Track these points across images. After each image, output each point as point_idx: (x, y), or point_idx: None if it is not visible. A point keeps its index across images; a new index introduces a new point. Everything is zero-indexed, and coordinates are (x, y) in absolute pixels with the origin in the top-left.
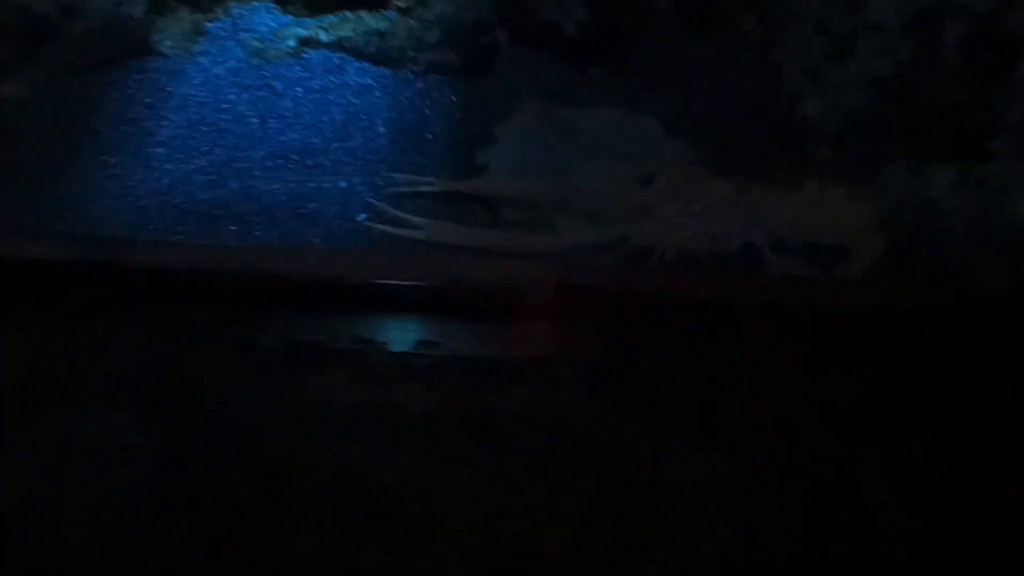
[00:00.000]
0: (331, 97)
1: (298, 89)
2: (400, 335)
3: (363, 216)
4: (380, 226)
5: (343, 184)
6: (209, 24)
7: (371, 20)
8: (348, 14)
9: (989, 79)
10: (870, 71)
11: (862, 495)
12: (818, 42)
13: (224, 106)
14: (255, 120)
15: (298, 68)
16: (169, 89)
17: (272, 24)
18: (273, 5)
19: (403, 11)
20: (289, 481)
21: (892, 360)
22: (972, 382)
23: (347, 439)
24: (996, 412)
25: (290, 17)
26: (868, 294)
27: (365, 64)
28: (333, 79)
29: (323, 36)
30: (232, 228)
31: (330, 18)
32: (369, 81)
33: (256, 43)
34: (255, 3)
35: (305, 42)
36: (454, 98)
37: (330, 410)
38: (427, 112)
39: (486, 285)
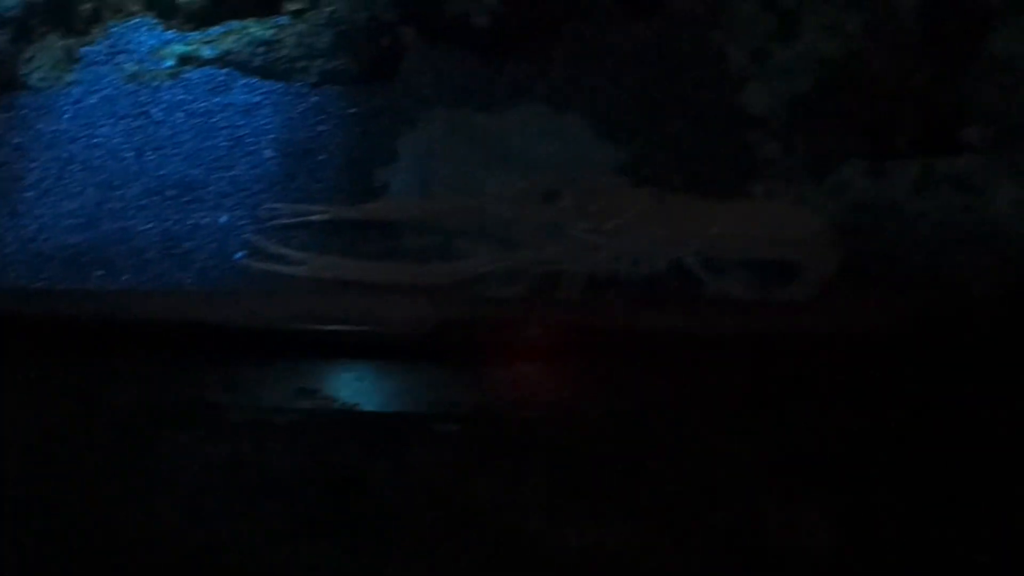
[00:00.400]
0: (214, 120)
1: (178, 114)
2: (269, 384)
3: (240, 254)
4: (258, 264)
5: (223, 219)
6: (84, 48)
7: (257, 30)
8: (234, 24)
9: (955, 56)
10: (816, 51)
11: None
12: (764, 19)
13: (97, 140)
14: (130, 154)
15: (179, 90)
16: (39, 127)
17: (152, 42)
18: (154, 20)
19: (296, 14)
20: (124, 561)
21: (849, 398)
22: (945, 421)
23: (193, 510)
24: (973, 458)
25: (172, 33)
26: (820, 318)
27: (253, 79)
28: (217, 99)
29: (206, 52)
30: (99, 272)
31: (215, 30)
32: (257, 98)
33: (132, 66)
34: (135, 19)
35: (186, 60)
36: (352, 110)
37: (180, 475)
38: (321, 129)
39: (363, 325)
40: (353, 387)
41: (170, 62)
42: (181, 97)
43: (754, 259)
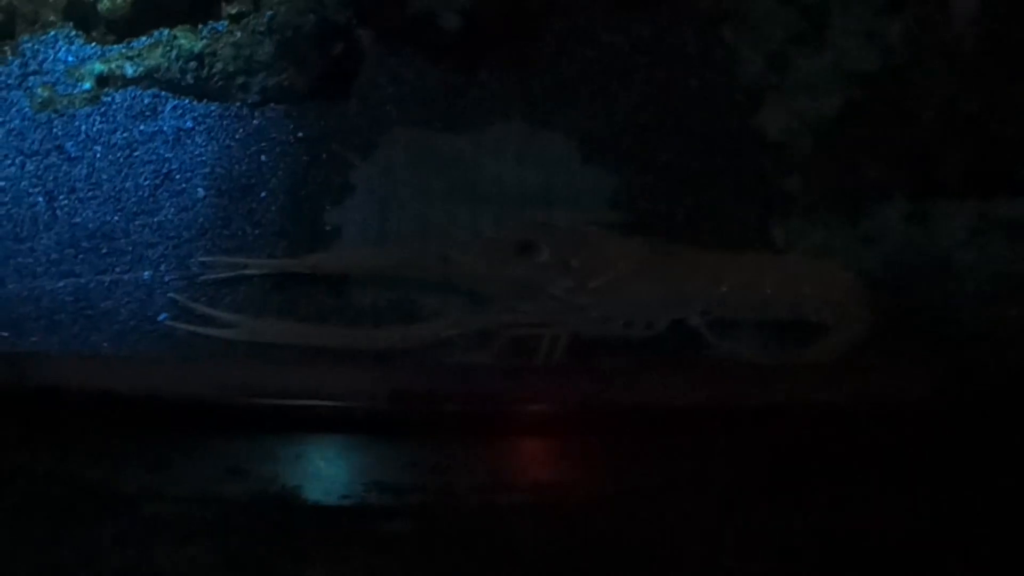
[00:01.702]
0: (137, 154)
1: (96, 148)
2: (194, 465)
3: (164, 315)
4: (184, 326)
5: (145, 274)
6: None
7: (188, 41)
8: (163, 34)
9: (1017, 75)
10: (847, 63)
11: None
12: (786, 17)
13: (2, 184)
14: (41, 199)
15: (97, 118)
16: None
17: (69, 59)
18: (73, 32)
19: (234, 19)
20: None
21: (877, 477)
22: (991, 501)
23: None
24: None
25: (92, 46)
26: (846, 385)
27: (184, 100)
28: (141, 128)
29: (129, 69)
30: (3, 334)
31: (140, 42)
32: (188, 124)
33: (44, 91)
34: (51, 31)
35: (105, 80)
36: (300, 135)
37: None
38: (263, 160)
39: (305, 397)
40: (291, 468)
41: (88, 84)
42: (100, 126)
43: (771, 318)
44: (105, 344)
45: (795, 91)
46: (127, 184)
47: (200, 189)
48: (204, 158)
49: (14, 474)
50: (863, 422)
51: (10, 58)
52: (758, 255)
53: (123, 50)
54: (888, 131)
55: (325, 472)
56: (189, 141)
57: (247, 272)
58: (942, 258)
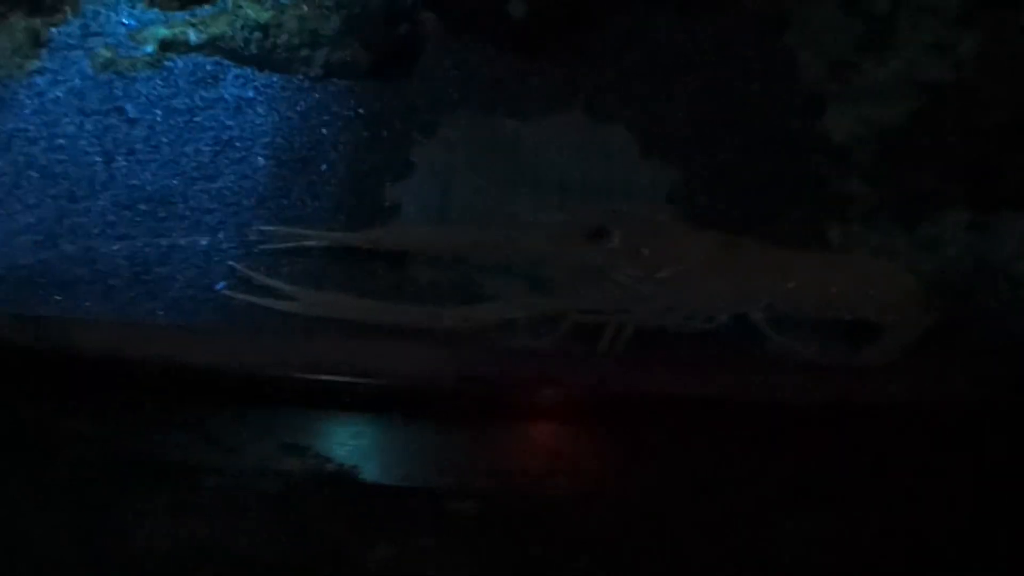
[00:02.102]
0: (198, 120)
1: (157, 111)
2: (251, 439)
3: (222, 284)
4: (242, 296)
5: (203, 241)
6: (54, 30)
7: (254, 11)
8: (227, 3)
9: None
10: (916, 73)
11: None
12: (849, 25)
13: (61, 142)
14: (99, 159)
15: (159, 82)
16: None
17: (131, 23)
18: None
19: None
20: None
21: (930, 475)
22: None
23: None
24: None
25: (155, 12)
26: (901, 386)
27: (246, 70)
28: (202, 94)
29: (192, 36)
30: (57, 298)
31: (204, 11)
32: (249, 93)
33: (106, 52)
34: None
35: (169, 45)
36: (361, 111)
37: (136, 554)
38: (323, 133)
39: (365, 375)
40: (350, 447)
41: (150, 47)
42: (161, 90)
43: (830, 317)
44: (160, 312)
45: (860, 97)
46: (186, 149)
47: (260, 158)
48: (265, 128)
49: (67, 442)
50: (914, 421)
51: (71, 18)
52: (825, 254)
53: (187, 17)
54: (952, 142)
55: (383, 450)
56: (250, 110)
57: (306, 244)
58: (999, 269)
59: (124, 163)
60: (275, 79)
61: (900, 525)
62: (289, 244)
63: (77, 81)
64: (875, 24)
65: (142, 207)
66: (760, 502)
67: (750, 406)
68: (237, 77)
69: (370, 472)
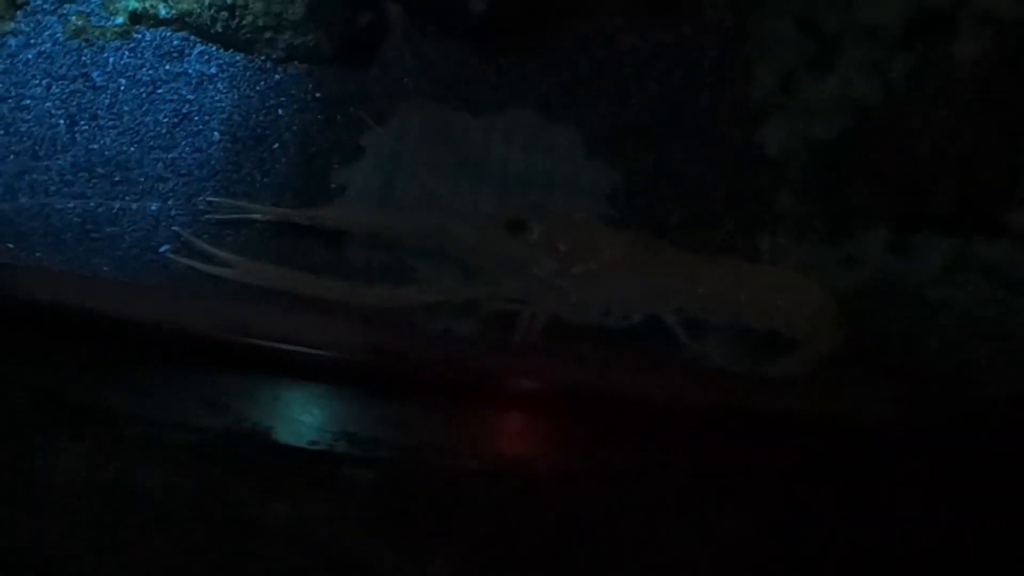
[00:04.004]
0: (160, 91)
1: (121, 80)
2: (175, 393)
3: (166, 247)
4: (184, 260)
5: (153, 206)
6: None
7: None
8: None
9: (1013, 122)
10: (851, 92)
11: None
12: (802, 43)
13: (27, 103)
14: (62, 122)
15: (126, 52)
16: None
17: None
18: None
19: None
20: None
21: (821, 486)
22: (950, 529)
23: (62, 536)
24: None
25: None
26: (804, 399)
27: (211, 47)
28: (167, 67)
29: (162, 10)
30: (9, 246)
31: None
32: (212, 70)
33: (79, 20)
34: None
35: (138, 18)
36: (318, 95)
37: (53, 491)
38: (279, 113)
39: (287, 342)
40: (267, 408)
41: (121, 19)
42: (127, 60)
43: (744, 326)
44: (105, 267)
45: (798, 113)
46: (146, 119)
47: (216, 133)
48: (223, 104)
49: (3, 383)
50: (813, 434)
51: None
52: (738, 263)
53: None
54: (879, 161)
55: (297, 416)
56: (211, 86)
57: (251, 217)
58: (916, 290)
59: (86, 127)
60: (238, 58)
61: (782, 527)
62: (234, 216)
63: (48, 46)
64: (824, 43)
65: (99, 170)
66: (647, 499)
67: (653, 404)
68: (202, 54)
69: (281, 434)
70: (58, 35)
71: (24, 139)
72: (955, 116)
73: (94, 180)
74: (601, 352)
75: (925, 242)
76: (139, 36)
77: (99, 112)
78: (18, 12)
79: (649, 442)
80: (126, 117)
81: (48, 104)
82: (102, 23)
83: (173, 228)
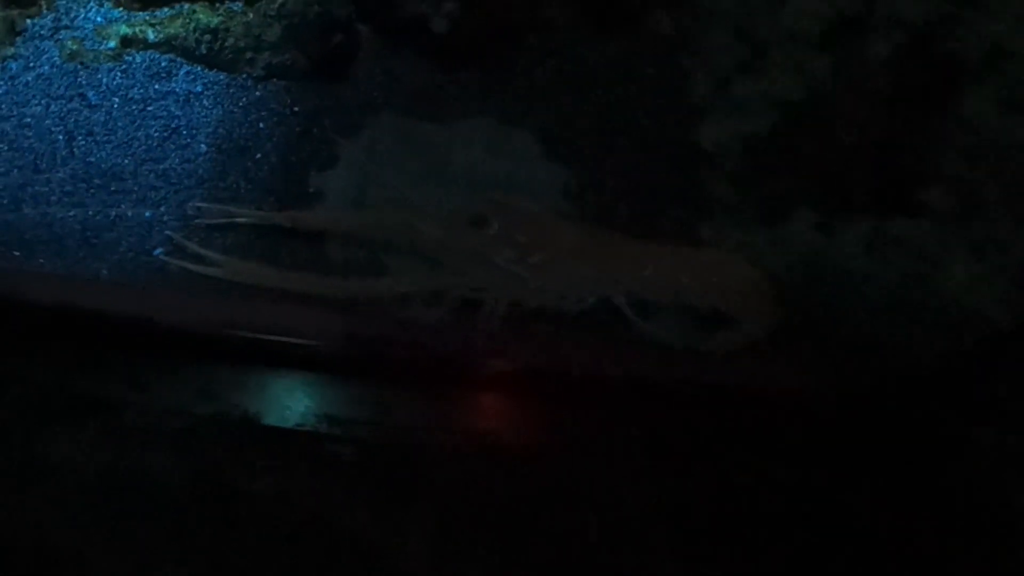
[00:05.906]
0: (151, 109)
1: (115, 99)
2: (171, 384)
3: (159, 250)
4: (176, 261)
5: (147, 213)
6: (29, 21)
7: (206, 16)
8: (184, 7)
9: (923, 112)
10: (777, 90)
11: None
12: (736, 49)
13: (28, 120)
14: (61, 138)
15: (118, 74)
16: None
17: (98, 19)
18: None
19: (248, 2)
20: None
21: (760, 455)
22: (876, 493)
23: (61, 517)
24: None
25: (119, 11)
26: (741, 372)
27: (196, 67)
28: (156, 87)
29: (151, 35)
30: (15, 254)
31: (163, 12)
32: (198, 88)
33: (74, 44)
34: None
35: (129, 42)
36: (296, 109)
37: (55, 475)
38: (261, 126)
39: (271, 333)
40: (255, 395)
41: (113, 43)
42: (120, 81)
43: (686, 305)
44: (104, 270)
45: (730, 111)
46: (139, 134)
47: (203, 145)
48: (209, 119)
49: (12, 379)
50: (748, 405)
51: (45, 12)
52: (680, 247)
53: (147, 17)
54: (805, 151)
55: (283, 400)
56: (197, 103)
57: (237, 220)
58: (841, 267)
59: (83, 142)
60: (221, 77)
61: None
62: (222, 220)
63: (46, 68)
64: (754, 48)
65: (96, 181)
66: (607, 469)
67: (605, 379)
68: (188, 73)
69: (270, 418)
70: (55, 59)
71: (26, 154)
72: (871, 108)
73: (92, 190)
74: (559, 333)
75: (849, 222)
76: (130, 59)
77: (95, 128)
78: (17, 38)
79: (605, 414)
80: (120, 132)
81: (47, 122)
82: (95, 47)
83: (166, 232)
